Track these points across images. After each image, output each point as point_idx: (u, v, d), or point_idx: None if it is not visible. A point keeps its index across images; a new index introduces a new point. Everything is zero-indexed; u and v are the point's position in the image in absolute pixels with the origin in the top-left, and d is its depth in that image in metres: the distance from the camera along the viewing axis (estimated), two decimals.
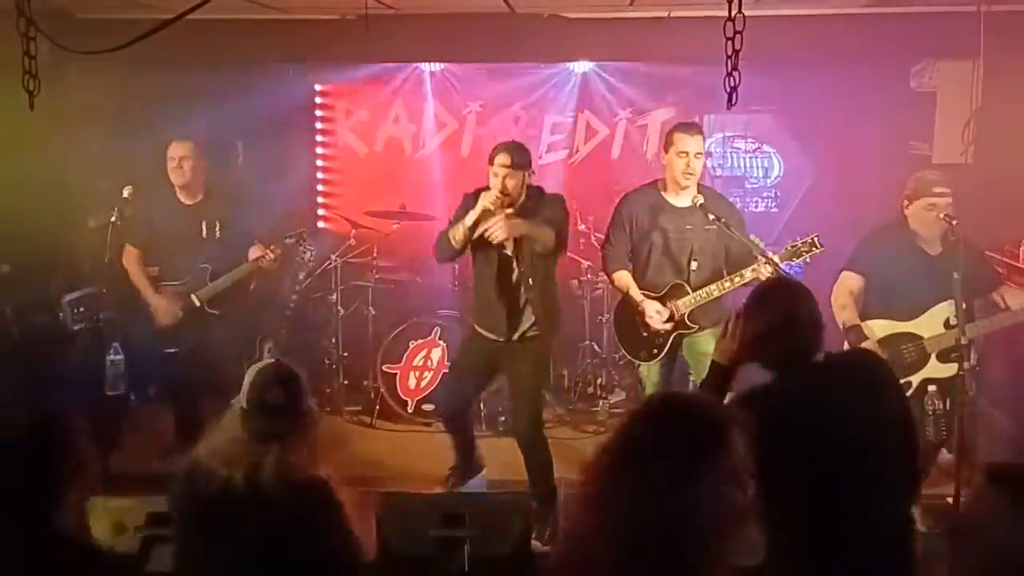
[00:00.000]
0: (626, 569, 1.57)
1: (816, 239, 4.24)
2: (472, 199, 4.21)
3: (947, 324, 4.11)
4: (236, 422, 2.59)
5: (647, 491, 1.58)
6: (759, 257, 4.17)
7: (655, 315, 4.42)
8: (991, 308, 4.23)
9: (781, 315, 2.65)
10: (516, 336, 4.37)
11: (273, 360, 2.74)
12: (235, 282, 4.95)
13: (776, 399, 2.59)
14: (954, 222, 4.02)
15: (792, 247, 4.27)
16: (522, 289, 4.32)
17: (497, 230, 4.10)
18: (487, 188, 4.17)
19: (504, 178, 4.11)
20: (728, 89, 2.08)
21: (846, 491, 2.49)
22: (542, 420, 4.48)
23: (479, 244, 4.24)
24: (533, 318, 4.35)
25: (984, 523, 1.51)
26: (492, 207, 4.11)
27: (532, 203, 4.28)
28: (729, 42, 2.06)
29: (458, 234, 4.18)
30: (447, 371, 4.74)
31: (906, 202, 4.25)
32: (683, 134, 4.38)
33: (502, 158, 4.14)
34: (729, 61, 2.06)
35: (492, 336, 4.40)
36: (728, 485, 1.60)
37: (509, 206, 4.17)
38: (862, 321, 4.25)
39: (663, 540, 1.56)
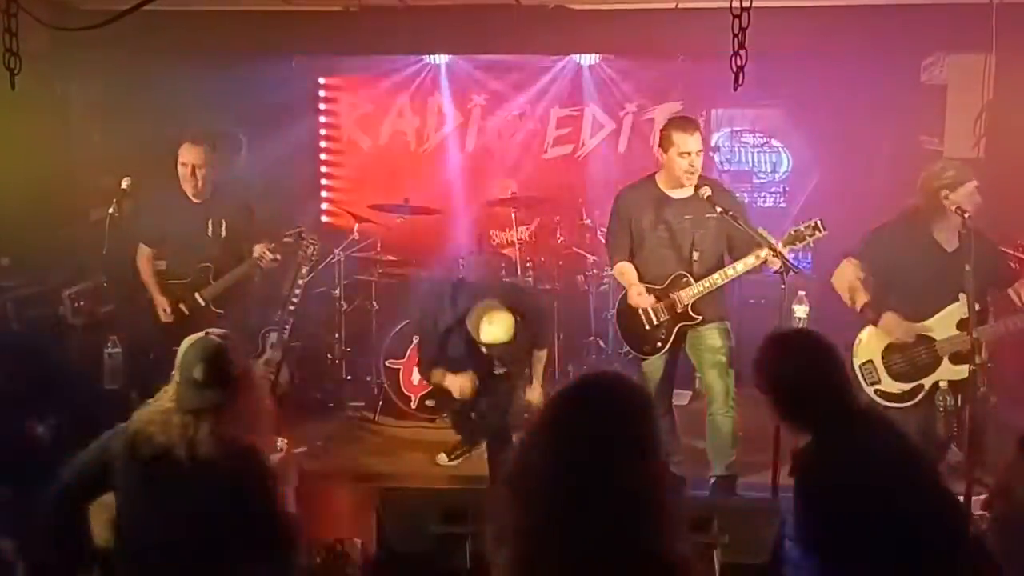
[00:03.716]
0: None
1: (819, 222, 4.15)
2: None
3: (960, 324, 3.99)
4: (170, 394, 2.63)
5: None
6: (765, 247, 4.08)
7: (637, 296, 4.35)
8: (1007, 307, 4.13)
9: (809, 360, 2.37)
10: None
11: (202, 334, 2.72)
12: (237, 280, 4.93)
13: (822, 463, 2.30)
14: (966, 215, 3.93)
15: (795, 231, 4.18)
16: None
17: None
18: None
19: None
20: (734, 69, 2.02)
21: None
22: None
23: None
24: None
25: (1018, 487, 1.44)
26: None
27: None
28: (736, 20, 2.00)
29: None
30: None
31: (946, 191, 4.02)
32: (683, 133, 4.26)
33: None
34: (735, 39, 2.00)
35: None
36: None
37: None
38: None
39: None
